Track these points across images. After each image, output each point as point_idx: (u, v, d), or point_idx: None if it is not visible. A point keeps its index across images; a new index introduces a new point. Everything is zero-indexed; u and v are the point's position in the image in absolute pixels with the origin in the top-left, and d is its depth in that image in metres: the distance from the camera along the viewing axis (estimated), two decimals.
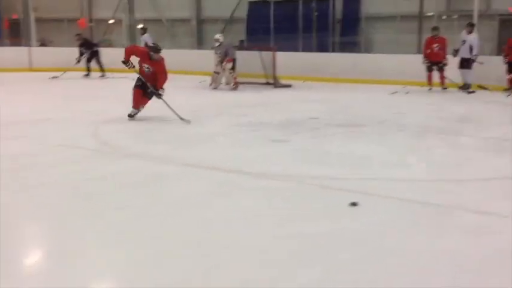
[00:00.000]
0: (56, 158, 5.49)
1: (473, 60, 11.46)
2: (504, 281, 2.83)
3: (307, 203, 4.14)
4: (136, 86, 7.52)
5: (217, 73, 12.37)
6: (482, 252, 3.21)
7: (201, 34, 19.06)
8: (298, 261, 3.07)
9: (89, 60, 14.98)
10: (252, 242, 3.34)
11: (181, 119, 7.29)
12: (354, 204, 3.99)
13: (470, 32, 11.63)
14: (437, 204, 4.06)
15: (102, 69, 14.94)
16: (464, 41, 11.60)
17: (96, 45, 15.30)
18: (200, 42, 18.72)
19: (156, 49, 7.46)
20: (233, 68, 12.22)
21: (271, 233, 3.49)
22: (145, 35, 14.86)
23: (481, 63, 11.36)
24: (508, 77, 11.28)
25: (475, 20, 12.32)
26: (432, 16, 14.94)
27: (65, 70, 14.41)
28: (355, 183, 4.61)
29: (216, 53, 12.44)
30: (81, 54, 14.80)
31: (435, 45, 11.77)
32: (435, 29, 12.04)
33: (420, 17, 14.92)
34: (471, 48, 11.44)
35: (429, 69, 11.92)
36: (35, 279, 2.90)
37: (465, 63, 11.62)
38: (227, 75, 12.24)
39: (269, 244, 3.31)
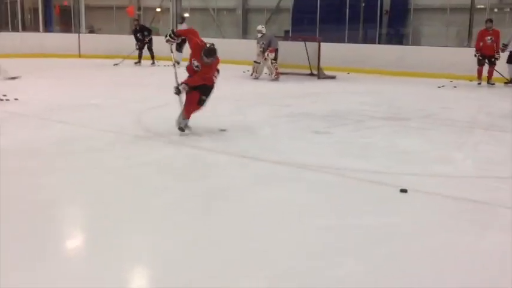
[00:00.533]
0: (102, 143, 5.61)
1: None
2: None
3: (347, 196, 4.10)
4: (189, 90, 6.01)
5: (258, 63, 12.38)
6: None
7: (246, 24, 19.10)
8: (335, 253, 3.05)
9: (141, 48, 15.18)
10: (289, 233, 3.34)
11: (180, 128, 6.02)
12: (403, 191, 4.05)
13: None
14: (482, 202, 3.97)
15: (153, 57, 15.13)
16: None
17: (151, 32, 15.44)
18: (245, 32, 18.77)
19: (210, 54, 5.83)
20: (275, 59, 12.20)
21: (310, 224, 3.48)
22: (184, 24, 14.79)
23: None
24: None
25: None
26: (483, 9, 14.51)
27: (124, 57, 14.68)
28: (398, 177, 4.53)
29: (258, 43, 12.44)
30: (138, 40, 15.01)
31: (488, 37, 11.46)
32: (489, 21, 11.71)
33: (471, 9, 14.51)
34: None
35: (480, 63, 11.62)
36: (77, 260, 3.00)
37: None
38: (269, 65, 12.22)
39: (307, 236, 3.31)
